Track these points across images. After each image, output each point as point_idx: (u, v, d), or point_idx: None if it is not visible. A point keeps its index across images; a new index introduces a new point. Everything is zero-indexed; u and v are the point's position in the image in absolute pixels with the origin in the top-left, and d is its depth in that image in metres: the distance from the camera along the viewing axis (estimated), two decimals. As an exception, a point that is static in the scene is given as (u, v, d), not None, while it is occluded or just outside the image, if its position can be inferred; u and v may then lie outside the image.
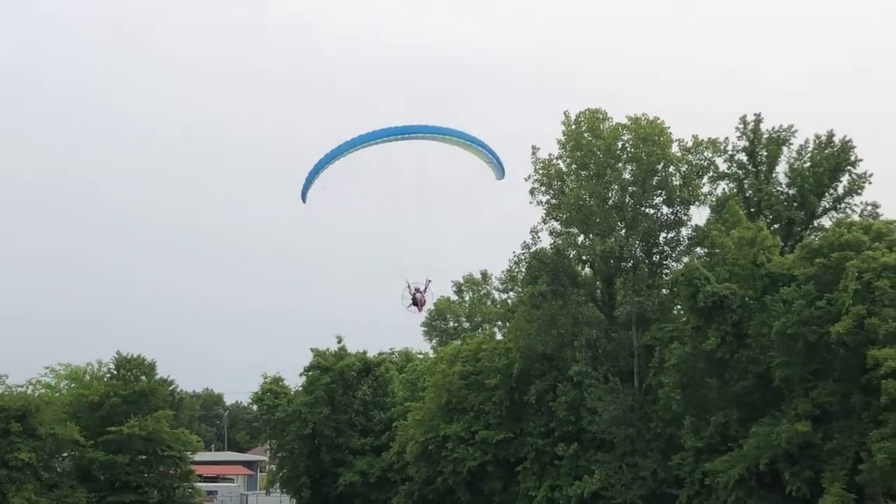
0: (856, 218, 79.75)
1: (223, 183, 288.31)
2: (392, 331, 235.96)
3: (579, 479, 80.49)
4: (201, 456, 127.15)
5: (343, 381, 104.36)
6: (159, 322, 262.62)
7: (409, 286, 56.82)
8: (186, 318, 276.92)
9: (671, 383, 76.60)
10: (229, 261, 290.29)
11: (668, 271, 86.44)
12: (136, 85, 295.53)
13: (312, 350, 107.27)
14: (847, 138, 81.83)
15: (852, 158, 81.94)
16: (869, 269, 67.39)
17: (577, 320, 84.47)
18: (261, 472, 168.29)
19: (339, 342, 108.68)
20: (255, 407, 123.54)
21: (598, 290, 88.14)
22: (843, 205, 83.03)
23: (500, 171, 57.45)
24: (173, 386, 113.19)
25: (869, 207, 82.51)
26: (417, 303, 57.43)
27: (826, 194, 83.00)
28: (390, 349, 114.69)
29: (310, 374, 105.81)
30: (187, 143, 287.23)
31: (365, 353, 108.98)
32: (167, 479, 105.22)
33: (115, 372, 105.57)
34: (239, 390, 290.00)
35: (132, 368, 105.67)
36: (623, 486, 79.19)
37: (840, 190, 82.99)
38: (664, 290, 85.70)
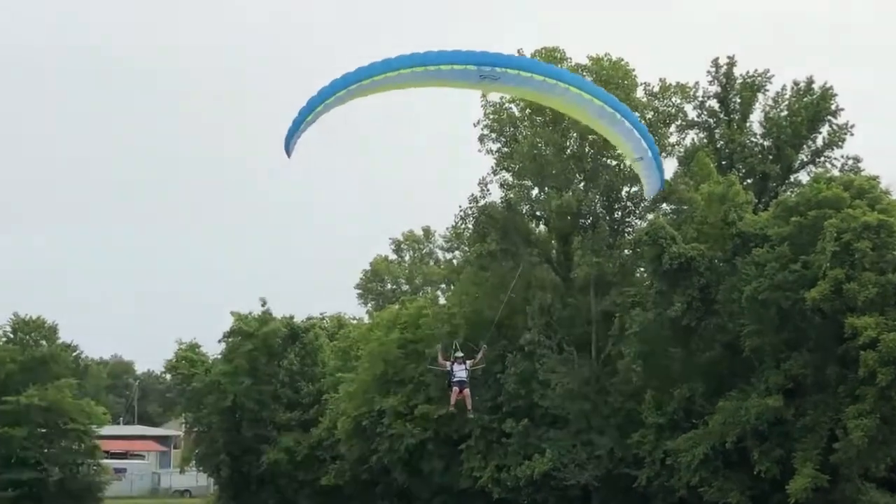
0: (836, 173, 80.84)
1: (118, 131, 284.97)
2: (323, 294, 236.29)
3: (529, 459, 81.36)
4: (108, 430, 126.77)
5: (267, 348, 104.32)
6: (61, 282, 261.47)
7: (445, 357, 43.85)
8: (93, 278, 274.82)
9: (632, 353, 77.85)
10: (140, 216, 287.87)
11: (630, 230, 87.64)
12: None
13: (233, 314, 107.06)
14: (828, 84, 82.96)
15: (833, 107, 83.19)
16: (848, 228, 68.29)
17: (530, 283, 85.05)
18: (175, 448, 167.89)
19: (262, 305, 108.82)
20: (168, 376, 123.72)
21: (554, 250, 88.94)
22: (822, 158, 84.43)
23: (656, 177, 36.51)
24: (77, 352, 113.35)
25: (850, 162, 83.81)
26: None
27: (804, 146, 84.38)
28: (321, 314, 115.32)
29: (230, 340, 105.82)
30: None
31: (292, 317, 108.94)
32: (70, 454, 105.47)
33: (11, 335, 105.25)
34: (151, 358, 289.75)
35: (31, 332, 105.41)
36: (577, 466, 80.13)
37: (819, 142, 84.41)
38: (626, 251, 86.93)
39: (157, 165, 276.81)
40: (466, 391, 41.01)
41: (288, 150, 33.16)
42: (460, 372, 41.01)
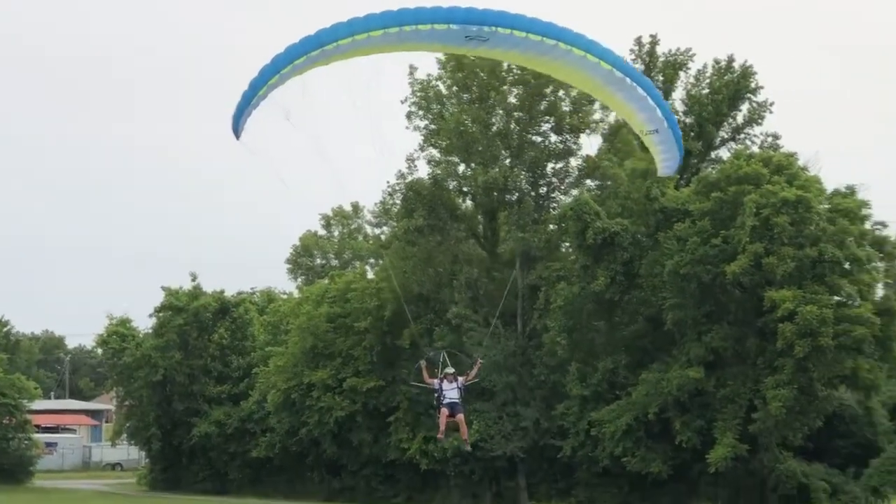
0: (755, 149, 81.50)
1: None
2: (253, 269, 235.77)
3: (456, 431, 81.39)
4: (39, 404, 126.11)
5: (198, 323, 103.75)
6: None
7: (430, 374, 36.84)
8: (24, 254, 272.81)
9: (557, 327, 78.13)
10: (72, 194, 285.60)
11: (555, 205, 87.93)
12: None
13: (164, 289, 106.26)
14: (748, 63, 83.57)
15: (753, 85, 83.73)
16: (767, 204, 68.89)
17: (457, 258, 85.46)
18: (106, 422, 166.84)
19: (193, 280, 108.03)
20: (99, 351, 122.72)
21: (480, 226, 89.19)
22: (742, 135, 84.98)
23: (674, 152, 30.40)
24: (8, 327, 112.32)
25: (769, 138, 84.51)
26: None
27: (725, 124, 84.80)
28: (251, 289, 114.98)
29: (160, 315, 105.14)
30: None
31: (222, 292, 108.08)
32: (0, 429, 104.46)
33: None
34: (82, 332, 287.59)
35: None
36: (503, 437, 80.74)
37: (740, 119, 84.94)
38: (551, 226, 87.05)
39: (85, 145, 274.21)
40: (461, 416, 33.67)
41: (236, 130, 27.45)
42: (451, 391, 33.75)
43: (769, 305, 67.70)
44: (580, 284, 76.78)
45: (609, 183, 79.82)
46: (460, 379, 34.60)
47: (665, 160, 30.96)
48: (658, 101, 28.95)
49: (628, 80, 27.96)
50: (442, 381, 34.41)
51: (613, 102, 30.41)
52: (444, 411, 33.64)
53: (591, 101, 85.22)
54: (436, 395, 34.46)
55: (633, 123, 30.73)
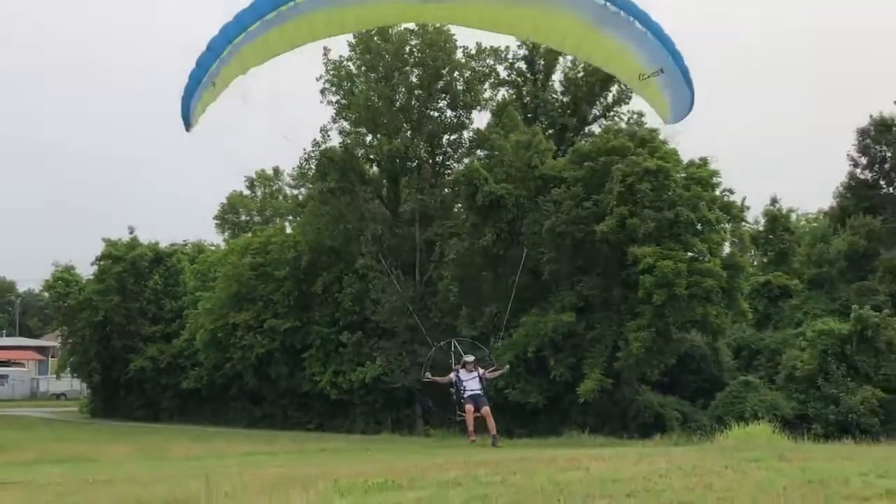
0: (622, 125, 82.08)
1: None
2: (185, 223, 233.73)
3: (362, 365, 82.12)
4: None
5: (135, 270, 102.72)
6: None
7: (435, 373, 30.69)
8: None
9: (450, 276, 78.46)
10: (28, 156, 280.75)
11: (449, 171, 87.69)
12: None
13: (104, 240, 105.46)
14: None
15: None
16: (632, 172, 69.50)
17: (364, 216, 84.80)
18: (52, 357, 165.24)
19: (130, 233, 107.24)
20: (46, 294, 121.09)
21: (384, 188, 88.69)
22: (611, 113, 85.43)
23: (684, 93, 23.16)
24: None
25: (635, 116, 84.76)
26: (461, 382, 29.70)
27: (597, 103, 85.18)
28: (183, 241, 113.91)
29: (101, 263, 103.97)
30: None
31: (157, 243, 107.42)
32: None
33: None
34: (32, 278, 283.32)
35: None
36: (402, 371, 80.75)
37: (609, 99, 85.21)
38: (446, 190, 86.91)
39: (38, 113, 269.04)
40: (486, 409, 27.62)
41: (186, 120, 21.13)
42: (472, 382, 27.74)
43: (632, 260, 68.15)
44: (470, 240, 76.80)
45: (496, 153, 79.61)
46: (481, 370, 27.66)
47: (673, 103, 23.31)
48: (660, 34, 21.96)
49: (623, 13, 21.58)
50: (459, 370, 27.65)
51: (604, 48, 22.86)
52: (469, 408, 26.74)
53: (482, 82, 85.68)
54: (453, 389, 27.38)
55: (630, 69, 23.09)
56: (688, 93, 22.50)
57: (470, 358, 27.28)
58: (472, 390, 26.62)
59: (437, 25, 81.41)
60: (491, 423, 26.58)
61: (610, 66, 24.06)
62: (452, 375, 27.10)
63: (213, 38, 20.37)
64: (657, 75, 22.11)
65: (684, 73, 22.24)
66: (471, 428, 25.78)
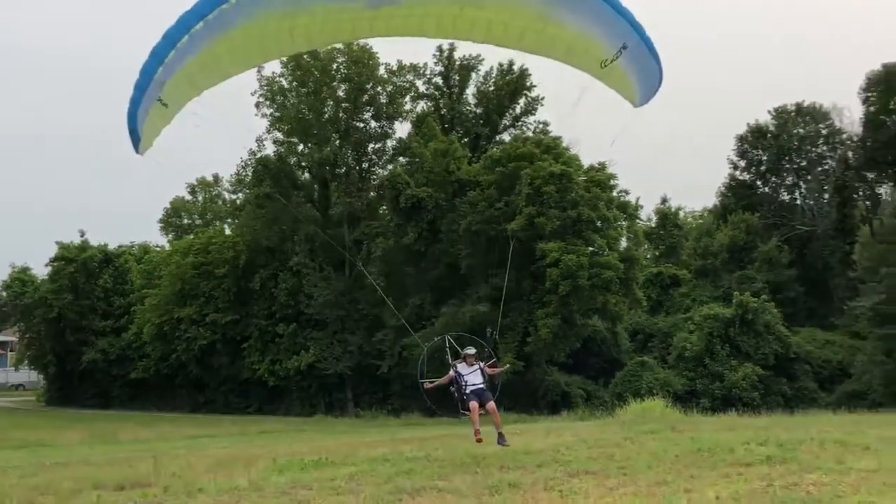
0: (530, 134, 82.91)
1: None
2: (131, 226, 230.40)
3: (297, 354, 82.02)
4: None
5: (86, 270, 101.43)
6: None
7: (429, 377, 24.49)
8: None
9: (376, 272, 78.36)
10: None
11: (375, 177, 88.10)
12: None
13: (58, 243, 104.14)
14: (524, 66, 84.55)
15: (528, 84, 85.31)
16: (538, 176, 70.60)
17: (297, 218, 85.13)
18: (11, 351, 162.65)
19: (81, 236, 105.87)
20: (4, 293, 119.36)
21: (315, 193, 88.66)
22: (520, 123, 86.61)
23: (652, 69, 19.68)
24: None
25: (541, 125, 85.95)
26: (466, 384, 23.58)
27: (506, 114, 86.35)
28: (130, 243, 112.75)
29: (55, 264, 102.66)
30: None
31: (106, 245, 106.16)
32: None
33: None
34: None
35: None
36: (334, 358, 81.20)
37: (517, 110, 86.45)
38: (371, 193, 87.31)
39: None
40: (492, 405, 22.65)
41: (134, 134, 18.04)
42: (473, 376, 22.91)
43: (540, 255, 69.17)
44: (394, 239, 77.61)
45: (417, 160, 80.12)
46: (482, 364, 22.86)
47: (641, 81, 19.86)
48: (621, 9, 18.50)
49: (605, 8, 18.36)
50: (458, 364, 22.80)
51: (562, 40, 19.30)
52: (474, 405, 21.94)
53: (403, 96, 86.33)
54: (454, 387, 22.63)
55: (592, 58, 19.37)
56: (655, 66, 19.41)
57: (471, 350, 22.89)
58: (474, 385, 22.30)
59: (362, 43, 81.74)
60: (497, 419, 22.47)
61: (572, 60, 19.79)
62: (452, 372, 22.65)
63: (156, 44, 17.37)
64: (620, 54, 18.76)
65: (648, 44, 18.96)
66: (476, 426, 21.86)
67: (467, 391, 22.10)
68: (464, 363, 22.56)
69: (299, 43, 19.38)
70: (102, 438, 52.14)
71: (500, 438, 22.68)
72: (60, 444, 48.35)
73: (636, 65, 19.22)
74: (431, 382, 23.02)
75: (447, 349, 23.53)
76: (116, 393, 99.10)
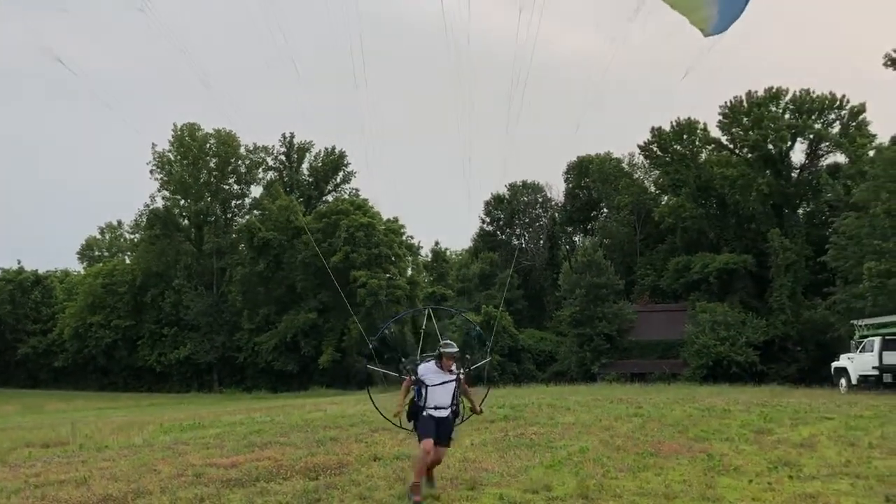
0: (346, 196, 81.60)
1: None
2: (56, 254, 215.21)
3: (177, 348, 78.74)
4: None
5: (21, 288, 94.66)
6: None
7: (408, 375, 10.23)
8: None
9: (235, 290, 76.44)
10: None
11: (236, 224, 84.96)
12: None
13: (1, 268, 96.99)
14: (342, 150, 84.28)
15: (345, 163, 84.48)
16: (353, 225, 69.78)
17: (179, 252, 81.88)
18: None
19: (18, 263, 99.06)
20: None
21: (193, 234, 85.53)
22: (339, 189, 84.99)
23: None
24: None
25: (354, 190, 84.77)
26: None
27: (330, 182, 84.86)
28: (55, 268, 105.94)
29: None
30: None
31: (37, 270, 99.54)
32: None
33: None
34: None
35: None
36: (205, 352, 78.02)
37: (338, 179, 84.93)
38: (234, 235, 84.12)
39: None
40: (444, 451, 10.15)
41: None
42: (442, 391, 9.84)
43: (353, 279, 67.97)
44: (249, 267, 75.15)
45: (266, 212, 78.37)
46: (462, 372, 10.10)
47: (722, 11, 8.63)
48: None
49: None
50: (426, 363, 10.09)
51: None
52: (427, 444, 9.67)
53: (258, 167, 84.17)
54: (416, 395, 10.09)
55: None
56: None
57: (451, 349, 9.93)
58: (439, 407, 9.88)
59: (228, 129, 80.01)
60: (440, 457, 10.23)
61: None
62: (410, 378, 10.10)
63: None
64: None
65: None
66: (417, 479, 9.68)
67: (426, 412, 9.94)
68: (436, 366, 10.03)
69: None
70: (32, 410, 49.06)
71: (430, 479, 10.38)
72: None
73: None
74: (376, 404, 11.86)
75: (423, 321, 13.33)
76: (43, 377, 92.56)
